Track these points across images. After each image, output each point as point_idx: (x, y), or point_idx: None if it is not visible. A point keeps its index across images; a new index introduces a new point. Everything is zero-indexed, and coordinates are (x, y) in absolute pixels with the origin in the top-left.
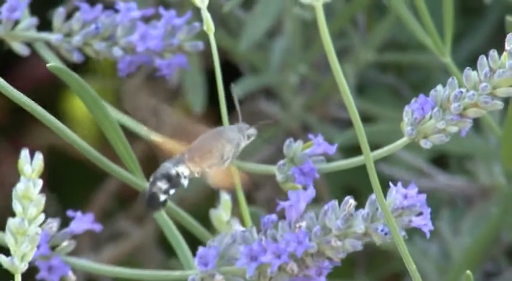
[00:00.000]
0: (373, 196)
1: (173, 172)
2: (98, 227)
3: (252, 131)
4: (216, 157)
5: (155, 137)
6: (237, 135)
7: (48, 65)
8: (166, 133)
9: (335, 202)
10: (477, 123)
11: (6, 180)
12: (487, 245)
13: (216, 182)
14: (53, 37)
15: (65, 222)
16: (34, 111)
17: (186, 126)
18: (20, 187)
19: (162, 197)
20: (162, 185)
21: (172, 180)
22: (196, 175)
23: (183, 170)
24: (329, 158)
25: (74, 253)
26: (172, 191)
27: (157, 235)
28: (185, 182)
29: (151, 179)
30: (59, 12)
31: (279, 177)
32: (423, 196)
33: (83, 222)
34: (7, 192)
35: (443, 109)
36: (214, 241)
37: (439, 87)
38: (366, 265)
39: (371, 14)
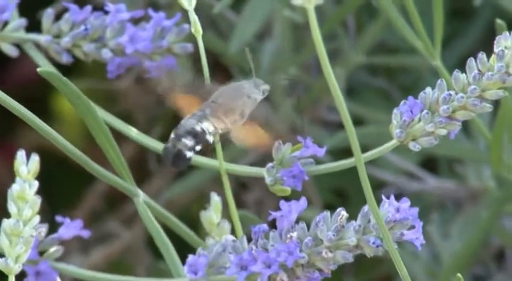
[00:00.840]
0: (365, 208)
1: (198, 128)
2: (86, 234)
3: (267, 86)
4: (239, 113)
5: (171, 93)
6: (255, 91)
7: (38, 69)
8: (179, 91)
9: (327, 213)
10: (467, 127)
11: None
12: (477, 249)
13: (240, 138)
14: (42, 38)
15: (54, 224)
16: (21, 114)
17: (199, 83)
18: (15, 188)
19: (189, 154)
20: (188, 141)
21: (198, 136)
22: (220, 131)
23: (207, 126)
24: (318, 161)
25: (62, 254)
26: (198, 148)
27: (147, 236)
28: (210, 138)
29: (172, 135)
30: (48, 13)
31: (268, 179)
32: (415, 210)
33: (71, 228)
34: None
35: (432, 112)
36: (204, 249)
37: (428, 89)
38: (355, 267)
39: (361, 17)
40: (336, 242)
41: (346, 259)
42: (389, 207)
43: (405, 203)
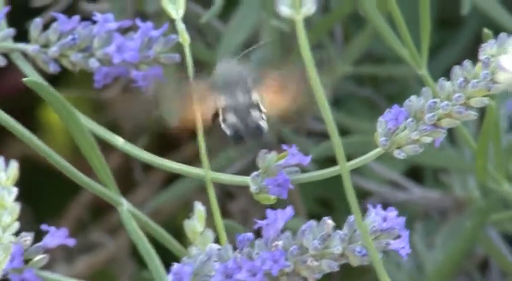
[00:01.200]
0: (351, 217)
1: (254, 98)
2: (71, 242)
3: None
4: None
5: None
6: None
7: (24, 79)
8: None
9: (313, 222)
10: (452, 136)
11: None
12: (461, 259)
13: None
14: (30, 48)
15: (39, 234)
16: (6, 122)
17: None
18: None
19: (264, 124)
20: (257, 113)
21: (258, 106)
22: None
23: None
24: (303, 170)
25: (47, 263)
26: (264, 117)
27: (131, 246)
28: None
29: (233, 115)
30: (36, 23)
31: (253, 188)
32: (402, 219)
33: (56, 237)
34: None
35: (417, 119)
36: (189, 258)
37: (413, 97)
38: (341, 276)
39: (348, 26)
40: (322, 251)
41: (331, 268)
42: (376, 216)
43: (392, 212)
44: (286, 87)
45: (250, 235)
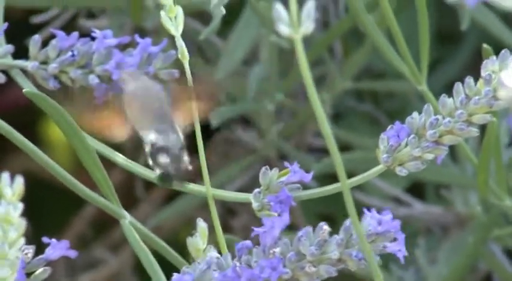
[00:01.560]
0: (347, 222)
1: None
2: (73, 254)
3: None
4: None
5: None
6: None
7: (24, 90)
8: None
9: (309, 228)
10: (454, 152)
11: None
12: (464, 274)
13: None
14: (29, 64)
15: (41, 248)
16: (9, 134)
17: None
18: (0, 211)
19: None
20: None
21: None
22: None
23: None
24: (305, 186)
25: (50, 280)
26: None
27: (134, 262)
28: None
29: (164, 156)
30: (35, 40)
31: (255, 205)
32: (397, 222)
33: (58, 248)
34: None
35: (419, 136)
36: (188, 267)
37: (415, 114)
38: None
39: (348, 42)
40: (319, 257)
41: (329, 273)
42: (371, 220)
43: (387, 215)
44: (199, 96)
45: (248, 243)
